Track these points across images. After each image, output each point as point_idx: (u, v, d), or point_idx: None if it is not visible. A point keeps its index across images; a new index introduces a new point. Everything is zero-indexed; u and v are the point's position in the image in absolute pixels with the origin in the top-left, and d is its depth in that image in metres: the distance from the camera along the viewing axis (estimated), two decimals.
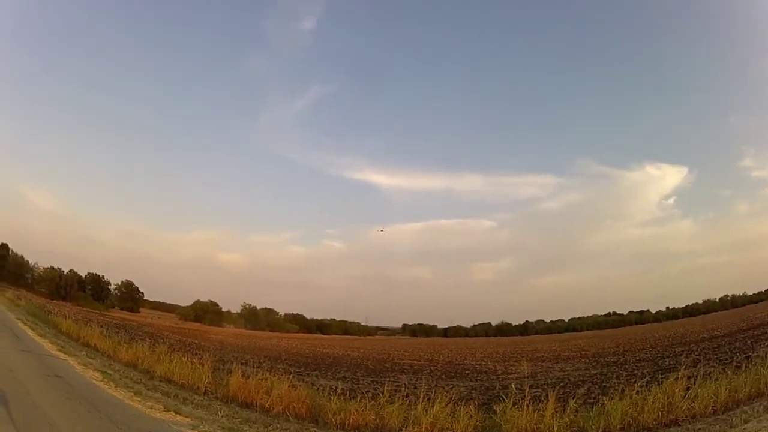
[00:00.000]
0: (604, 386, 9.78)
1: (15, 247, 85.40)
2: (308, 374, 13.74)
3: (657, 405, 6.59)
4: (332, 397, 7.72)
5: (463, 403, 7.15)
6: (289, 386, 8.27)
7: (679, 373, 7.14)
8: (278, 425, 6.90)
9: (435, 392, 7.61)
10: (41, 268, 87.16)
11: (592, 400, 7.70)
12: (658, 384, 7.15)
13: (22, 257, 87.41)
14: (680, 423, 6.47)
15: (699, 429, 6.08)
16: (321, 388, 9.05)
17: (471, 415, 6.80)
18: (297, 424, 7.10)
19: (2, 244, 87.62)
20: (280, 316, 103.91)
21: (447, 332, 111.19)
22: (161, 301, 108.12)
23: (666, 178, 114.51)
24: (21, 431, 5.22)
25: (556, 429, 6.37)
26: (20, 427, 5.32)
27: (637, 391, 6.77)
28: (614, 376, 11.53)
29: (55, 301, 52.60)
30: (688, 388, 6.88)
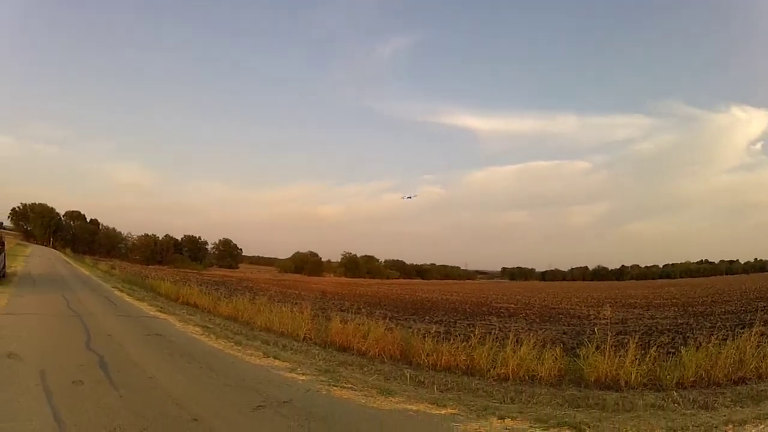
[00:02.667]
0: (686, 337, 12.84)
1: (106, 221, 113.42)
2: (405, 319, 18.50)
3: (728, 360, 8.45)
4: (426, 340, 10.26)
5: (550, 347, 9.34)
6: (385, 330, 11.11)
7: (753, 330, 9.26)
8: (373, 366, 9.17)
9: (525, 335, 9.92)
10: (134, 236, 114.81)
11: (672, 350, 10.09)
12: (733, 339, 9.16)
13: (113, 229, 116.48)
14: (747, 381, 8.24)
15: (762, 390, 7.59)
16: (416, 331, 11.65)
17: (556, 358, 8.96)
18: (391, 365, 9.48)
19: (92, 219, 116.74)
20: (380, 262, 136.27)
21: (545, 276, 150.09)
22: (260, 255, 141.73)
23: (752, 122, 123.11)
24: (120, 390, 6.54)
25: (633, 376, 8.27)
26: (119, 386, 6.72)
27: (713, 345, 8.75)
28: (698, 326, 15.58)
29: (151, 266, 66.04)
30: (758, 346, 8.86)
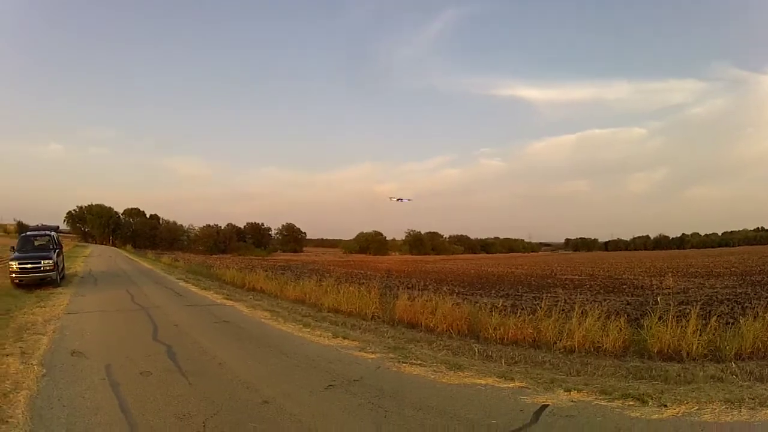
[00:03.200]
0: (745, 306, 13.53)
1: (166, 216, 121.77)
2: (472, 293, 19.47)
3: None
4: (492, 314, 10.85)
5: (614, 318, 9.77)
6: (452, 305, 11.74)
7: None
8: (441, 342, 9.65)
9: (590, 307, 10.37)
10: (196, 228, 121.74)
11: (731, 320, 10.49)
12: None
13: (174, 222, 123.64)
14: None
15: None
16: (483, 305, 11.97)
17: (620, 329, 9.34)
18: (459, 340, 9.99)
19: (152, 215, 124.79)
20: (445, 239, 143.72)
21: (608, 246, 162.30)
22: (324, 238, 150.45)
23: None
24: (189, 377, 6.85)
25: (695, 347, 8.61)
26: (188, 374, 7.05)
27: None
28: (756, 296, 17.11)
29: (215, 256, 69.26)
30: None
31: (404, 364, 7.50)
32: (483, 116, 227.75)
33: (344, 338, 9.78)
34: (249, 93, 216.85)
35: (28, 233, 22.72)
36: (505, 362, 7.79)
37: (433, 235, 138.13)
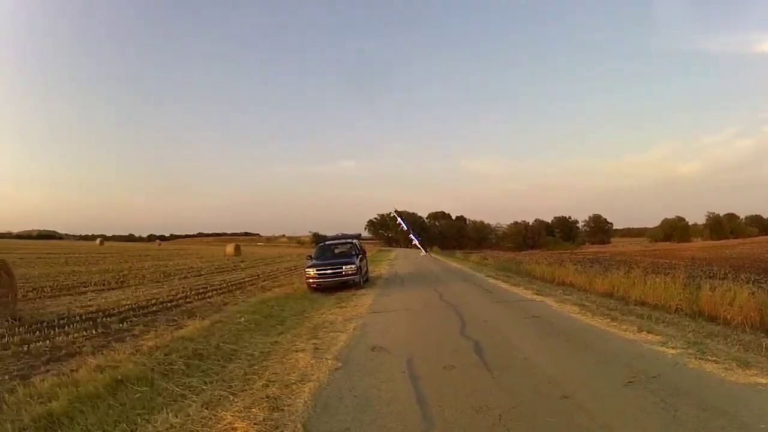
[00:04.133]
0: None
1: (472, 216, 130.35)
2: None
3: None
4: None
5: None
6: (748, 295, 11.27)
7: None
8: (735, 336, 9.18)
9: None
10: (504, 226, 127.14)
11: None
12: None
13: (481, 222, 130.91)
14: None
15: None
16: None
17: None
18: (751, 334, 9.59)
19: (458, 216, 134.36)
20: (741, 220, 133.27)
21: None
22: (630, 227, 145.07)
23: None
24: (493, 371, 6.95)
25: None
26: (492, 368, 7.14)
27: None
28: None
29: (523, 252, 71.21)
30: None
31: (700, 360, 7.28)
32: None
33: (648, 332, 9.52)
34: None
35: (327, 242, 24.95)
36: None
37: (731, 217, 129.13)
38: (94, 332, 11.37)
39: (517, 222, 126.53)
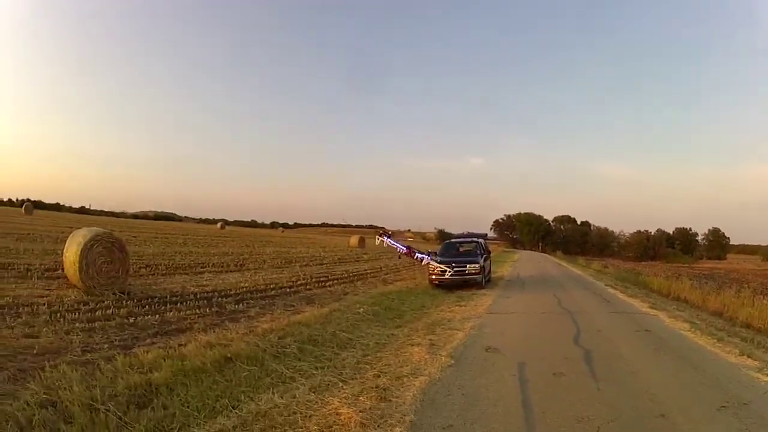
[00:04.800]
0: None
1: (597, 222, 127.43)
2: None
3: None
4: None
5: None
6: None
7: None
8: None
9: None
10: (627, 234, 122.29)
11: None
12: None
13: (605, 229, 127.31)
14: None
15: None
16: None
17: None
18: None
19: (583, 221, 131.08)
20: None
21: None
22: (746, 243, 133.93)
23: None
24: (599, 382, 7.24)
25: None
26: (599, 379, 7.44)
27: None
28: None
29: (643, 263, 68.73)
30: None
31: None
32: None
33: (748, 356, 9.45)
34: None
35: (453, 240, 25.21)
36: None
37: None
38: (207, 311, 11.69)
39: (639, 231, 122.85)
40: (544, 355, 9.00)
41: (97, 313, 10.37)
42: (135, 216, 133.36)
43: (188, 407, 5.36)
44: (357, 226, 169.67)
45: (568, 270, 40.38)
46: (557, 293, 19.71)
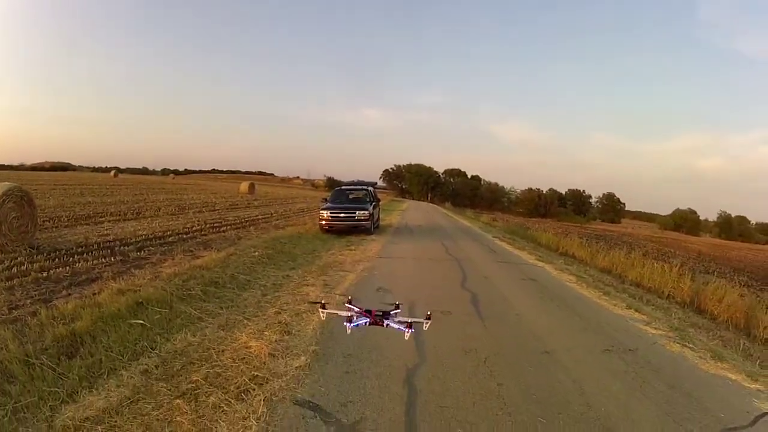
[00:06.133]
0: None
1: (488, 178, 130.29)
2: (762, 289, 18.33)
3: None
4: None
5: None
6: (739, 296, 12.11)
7: None
8: (717, 332, 9.54)
9: None
10: (518, 191, 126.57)
11: None
12: None
13: (496, 184, 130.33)
14: None
15: None
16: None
17: None
18: (732, 333, 9.93)
19: (473, 176, 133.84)
20: (752, 225, 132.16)
21: None
22: (642, 211, 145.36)
23: None
24: (485, 321, 7.66)
25: None
26: (485, 318, 7.87)
27: None
28: None
29: (534, 219, 70.73)
30: None
31: (678, 345, 7.59)
32: None
33: (636, 311, 9.92)
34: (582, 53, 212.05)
35: (343, 187, 25.15)
36: (759, 364, 7.20)
37: (741, 220, 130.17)
38: (112, 260, 11.78)
39: (531, 189, 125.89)
40: (433, 295, 9.27)
41: (13, 270, 10.22)
42: (33, 168, 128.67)
43: (112, 352, 5.49)
44: (246, 173, 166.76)
45: (457, 221, 41.36)
46: (445, 242, 20.21)
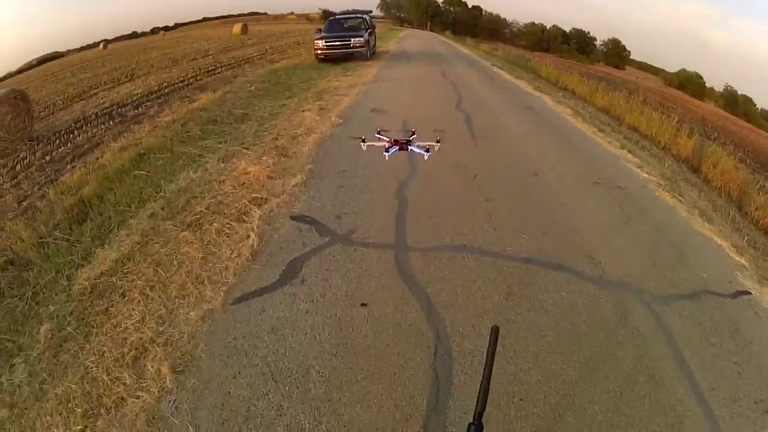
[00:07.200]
0: None
1: (490, 9, 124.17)
2: (758, 171, 17.22)
3: None
4: (761, 194, 10.42)
5: None
6: (734, 167, 11.76)
7: None
8: (709, 195, 9.37)
9: None
10: (521, 24, 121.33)
11: None
12: None
13: (498, 15, 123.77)
14: None
15: None
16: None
17: None
18: (724, 201, 9.63)
19: (474, 6, 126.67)
20: (758, 110, 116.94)
21: None
22: (648, 62, 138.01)
23: None
24: (477, 140, 7.74)
25: None
26: (477, 138, 7.94)
27: None
28: None
29: (535, 53, 68.63)
30: None
31: (667, 193, 7.46)
32: None
33: (629, 152, 9.73)
34: None
35: (337, 16, 24.27)
36: (747, 241, 7.00)
37: (747, 100, 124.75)
38: (111, 124, 11.67)
39: (534, 23, 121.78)
40: (426, 115, 9.22)
41: (17, 167, 10.05)
42: (20, 71, 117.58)
43: (120, 206, 5.52)
44: (239, 15, 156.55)
45: (456, 48, 39.90)
46: (442, 67, 19.67)
